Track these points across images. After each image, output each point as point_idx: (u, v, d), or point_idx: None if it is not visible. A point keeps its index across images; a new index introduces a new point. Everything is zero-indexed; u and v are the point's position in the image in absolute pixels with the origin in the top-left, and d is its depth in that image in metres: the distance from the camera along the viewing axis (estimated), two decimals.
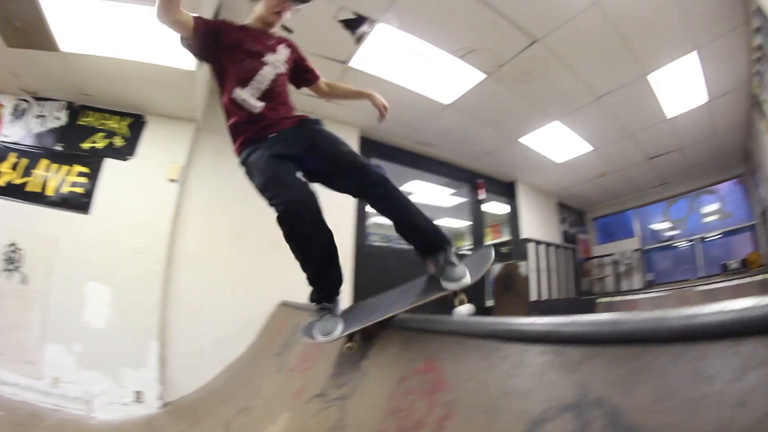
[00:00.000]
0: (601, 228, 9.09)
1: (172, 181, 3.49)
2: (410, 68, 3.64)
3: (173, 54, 2.84)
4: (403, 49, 3.36)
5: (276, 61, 1.71)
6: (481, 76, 3.80)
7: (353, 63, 3.52)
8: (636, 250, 7.98)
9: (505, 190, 6.81)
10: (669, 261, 8.02)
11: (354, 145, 4.38)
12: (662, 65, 3.97)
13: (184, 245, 3.45)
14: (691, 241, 7.80)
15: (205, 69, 3.20)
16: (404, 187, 6.55)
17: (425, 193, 7.12)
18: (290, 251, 1.55)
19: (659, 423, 0.54)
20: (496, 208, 7.31)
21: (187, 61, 2.87)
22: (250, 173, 1.62)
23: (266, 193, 1.51)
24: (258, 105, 1.62)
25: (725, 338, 0.54)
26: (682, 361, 0.56)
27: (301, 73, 1.91)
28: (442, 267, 1.52)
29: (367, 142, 4.70)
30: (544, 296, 5.91)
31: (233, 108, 1.63)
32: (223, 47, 1.61)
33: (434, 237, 1.59)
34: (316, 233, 1.52)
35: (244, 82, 1.61)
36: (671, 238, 8.09)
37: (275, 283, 3.54)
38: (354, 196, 1.74)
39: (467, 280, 1.47)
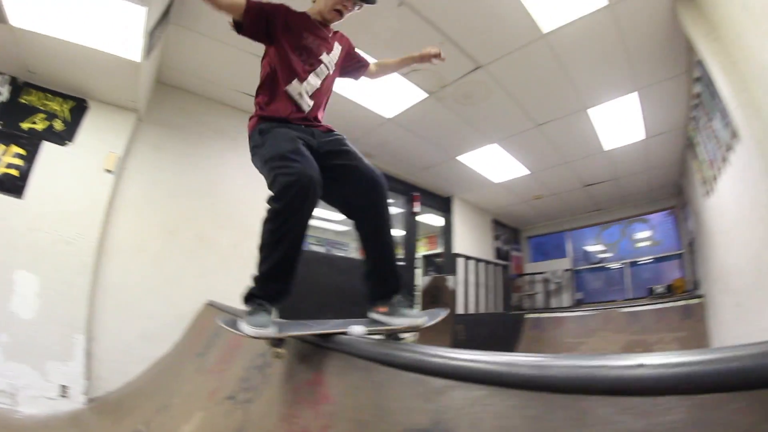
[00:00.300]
0: (535, 246, 9.51)
1: (108, 171, 3.34)
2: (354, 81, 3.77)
3: (121, 43, 2.80)
4: None
5: (330, 62, 1.72)
6: (424, 94, 3.90)
7: None
8: (567, 270, 8.40)
9: (442, 205, 6.94)
10: (599, 282, 8.49)
11: None
12: (603, 102, 4.21)
13: (116, 238, 3.32)
14: (621, 264, 8.30)
15: (152, 62, 3.15)
16: None
17: None
18: (261, 233, 1.47)
19: None
20: (434, 220, 7.43)
21: (133, 52, 2.84)
22: (262, 141, 1.54)
23: (279, 162, 1.43)
24: (309, 103, 1.65)
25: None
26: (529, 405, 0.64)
27: (354, 63, 1.92)
28: (396, 307, 1.51)
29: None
30: (472, 310, 6.05)
31: (284, 97, 1.60)
32: (284, 30, 1.60)
33: (399, 282, 1.60)
34: (305, 217, 1.45)
35: (301, 77, 1.61)
36: (602, 260, 8.58)
37: (203, 282, 3.53)
38: (347, 215, 1.68)
39: (423, 320, 1.47)
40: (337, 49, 1.77)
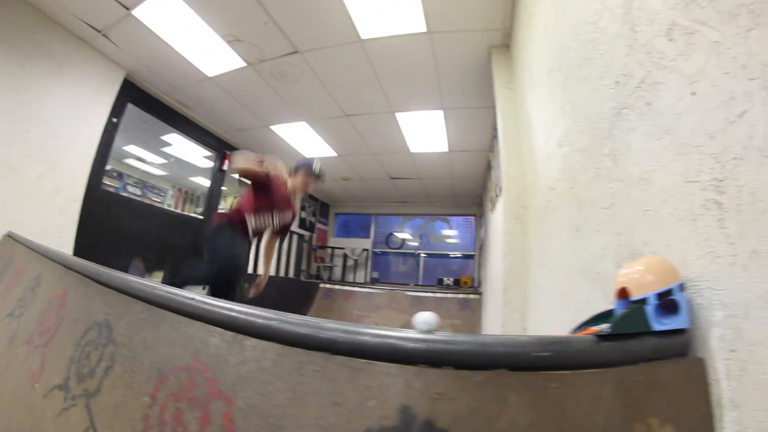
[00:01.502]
0: (342, 223, 10.13)
1: None
2: (183, 34, 3.54)
3: None
4: (181, 15, 3.26)
5: (279, 221, 2.69)
6: (243, 63, 3.88)
7: (136, 12, 3.22)
8: (365, 249, 9.17)
9: None
10: (395, 266, 9.42)
11: (116, 87, 4.02)
12: (410, 110, 4.52)
13: None
14: (417, 253, 9.34)
15: None
16: (164, 138, 6.34)
17: (184, 147, 6.79)
18: None
19: None
20: None
21: None
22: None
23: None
24: (254, 227, 2.56)
25: None
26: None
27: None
28: None
29: (130, 87, 4.25)
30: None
31: (244, 214, 2.52)
32: (269, 189, 2.49)
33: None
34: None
35: (258, 214, 2.55)
36: (401, 247, 9.49)
37: (5, 212, 3.04)
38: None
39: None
40: (288, 216, 2.75)
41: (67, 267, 1.53)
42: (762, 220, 0.54)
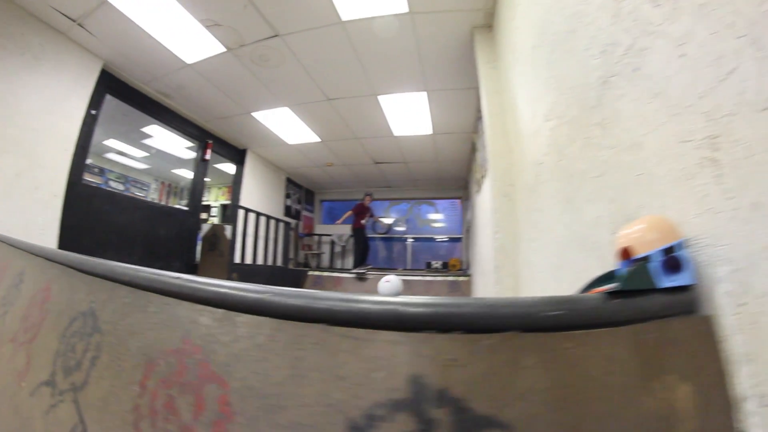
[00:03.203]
0: (328, 210, 10.13)
1: None
2: (161, 21, 3.44)
3: None
4: (158, 0, 3.18)
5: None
6: (223, 48, 3.82)
7: None
8: (352, 235, 9.21)
9: (235, 156, 6.90)
10: (383, 251, 9.45)
11: (93, 78, 3.91)
12: (393, 92, 4.49)
13: None
14: (404, 238, 9.35)
15: None
16: (145, 130, 6.36)
17: (165, 139, 6.71)
18: None
19: None
20: (232, 169, 7.34)
21: None
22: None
23: None
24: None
25: None
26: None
27: None
28: None
29: (108, 78, 4.14)
30: (251, 261, 6.25)
31: (360, 220, 7.25)
32: (364, 211, 7.28)
33: None
34: None
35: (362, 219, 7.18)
36: (388, 231, 9.50)
37: None
38: None
39: None
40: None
41: (50, 260, 1.48)
42: (760, 172, 0.54)
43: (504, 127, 2.56)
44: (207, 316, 0.76)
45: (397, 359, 0.55)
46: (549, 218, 1.59)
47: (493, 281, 2.32)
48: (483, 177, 4.27)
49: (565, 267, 1.39)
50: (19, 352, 1.28)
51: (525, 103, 2.00)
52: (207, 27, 3.48)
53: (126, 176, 8.76)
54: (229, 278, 5.06)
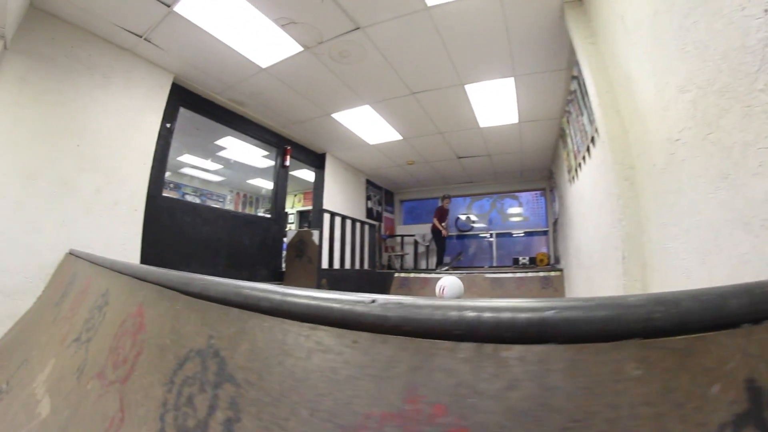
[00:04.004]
0: (408, 210, 10.06)
1: None
2: (231, 25, 3.43)
3: None
4: (227, 3, 3.15)
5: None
6: (299, 48, 3.72)
7: (178, 8, 3.15)
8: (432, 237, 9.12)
9: (314, 160, 6.85)
10: (468, 248, 9.22)
11: (165, 92, 4.03)
12: (480, 80, 4.29)
13: None
14: (489, 234, 9.09)
15: None
16: (219, 142, 6.63)
17: (239, 150, 6.93)
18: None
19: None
20: (310, 176, 7.40)
21: None
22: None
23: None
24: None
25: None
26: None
27: None
28: None
29: (180, 91, 4.26)
30: (338, 266, 6.12)
31: (441, 223, 7.46)
32: (444, 214, 7.54)
33: None
34: None
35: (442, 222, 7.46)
36: (472, 228, 9.29)
37: (65, 230, 3.10)
38: None
39: None
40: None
41: (140, 278, 1.30)
42: None
43: (616, 107, 2.37)
44: (448, 355, 0.49)
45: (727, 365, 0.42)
46: (692, 199, 1.44)
47: (621, 272, 2.15)
48: (580, 165, 4.02)
49: (720, 251, 1.25)
50: (108, 392, 1.05)
51: (647, 76, 1.83)
52: (282, 26, 3.39)
53: (201, 189, 9.29)
54: (318, 284, 5.04)
